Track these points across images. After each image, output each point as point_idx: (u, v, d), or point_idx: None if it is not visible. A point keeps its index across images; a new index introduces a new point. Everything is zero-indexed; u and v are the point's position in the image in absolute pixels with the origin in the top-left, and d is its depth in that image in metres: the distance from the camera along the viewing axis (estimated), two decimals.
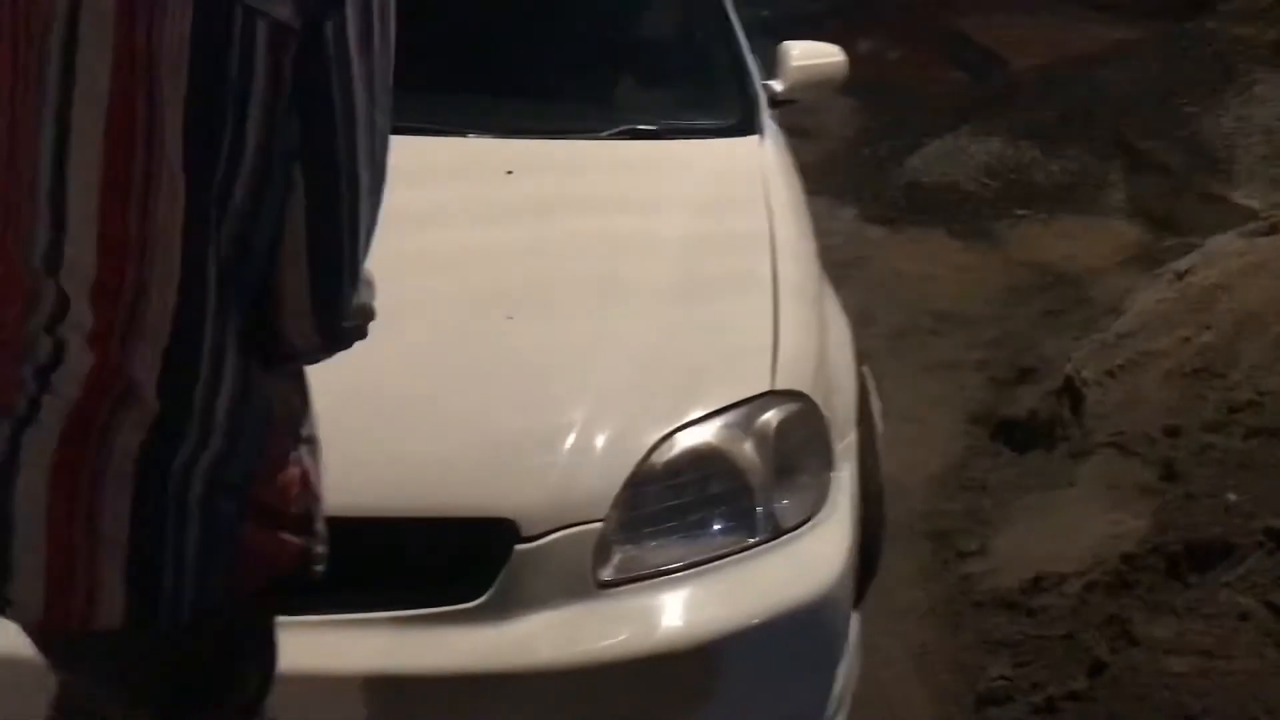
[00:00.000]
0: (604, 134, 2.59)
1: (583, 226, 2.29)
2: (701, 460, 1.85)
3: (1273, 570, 2.13)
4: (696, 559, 1.80)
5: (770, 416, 1.91)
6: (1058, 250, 4.83)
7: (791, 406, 1.94)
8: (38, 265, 1.07)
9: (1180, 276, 3.06)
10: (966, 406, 3.49)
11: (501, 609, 1.69)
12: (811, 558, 1.87)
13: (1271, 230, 3.08)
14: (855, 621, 2.12)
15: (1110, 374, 2.83)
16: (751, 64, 2.97)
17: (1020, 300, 4.32)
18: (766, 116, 2.84)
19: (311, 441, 1.28)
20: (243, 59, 1.01)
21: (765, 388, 1.93)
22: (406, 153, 2.43)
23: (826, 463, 1.99)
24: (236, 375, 1.12)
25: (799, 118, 7.03)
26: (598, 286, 2.11)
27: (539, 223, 2.29)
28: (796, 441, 1.94)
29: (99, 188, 1.03)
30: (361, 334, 1.26)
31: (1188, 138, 4.93)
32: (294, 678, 1.63)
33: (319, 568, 1.28)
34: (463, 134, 2.53)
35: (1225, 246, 3.11)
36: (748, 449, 1.88)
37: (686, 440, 1.85)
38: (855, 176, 5.74)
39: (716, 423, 1.88)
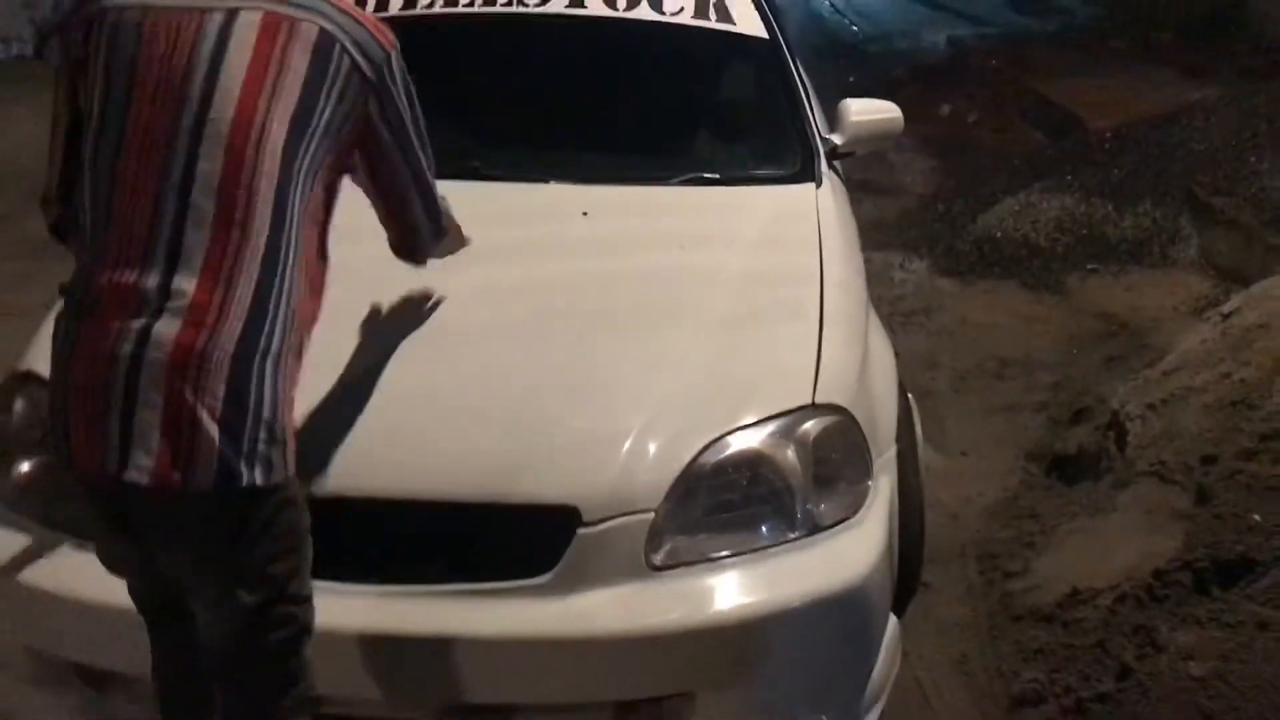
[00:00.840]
0: (673, 181, 2.87)
1: (649, 260, 2.56)
2: (747, 462, 2.08)
3: None
4: (740, 549, 2.03)
5: (810, 427, 2.14)
6: (1125, 302, 4.94)
7: (830, 419, 2.17)
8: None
9: (1225, 318, 3.20)
10: (1024, 444, 3.64)
11: (565, 585, 1.93)
12: (846, 553, 2.08)
13: None
14: (894, 624, 2.31)
15: (1152, 408, 2.98)
16: (814, 119, 3.23)
17: (1084, 347, 4.45)
18: (824, 166, 3.08)
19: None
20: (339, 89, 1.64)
21: (806, 401, 2.16)
22: (498, 198, 2.77)
23: (864, 472, 2.21)
24: (290, 302, 1.58)
25: (880, 176, 7.33)
26: (661, 312, 2.37)
27: (610, 257, 2.57)
28: (834, 450, 2.16)
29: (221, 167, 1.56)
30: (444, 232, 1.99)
31: (1256, 193, 5.02)
32: (386, 638, 1.91)
33: None
34: (545, 181, 2.83)
35: (1270, 290, 3.24)
36: (789, 454, 2.11)
37: (734, 444, 2.08)
38: (930, 231, 5.92)
39: (762, 430, 2.11)
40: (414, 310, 2.27)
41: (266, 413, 1.57)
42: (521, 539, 1.96)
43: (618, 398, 2.13)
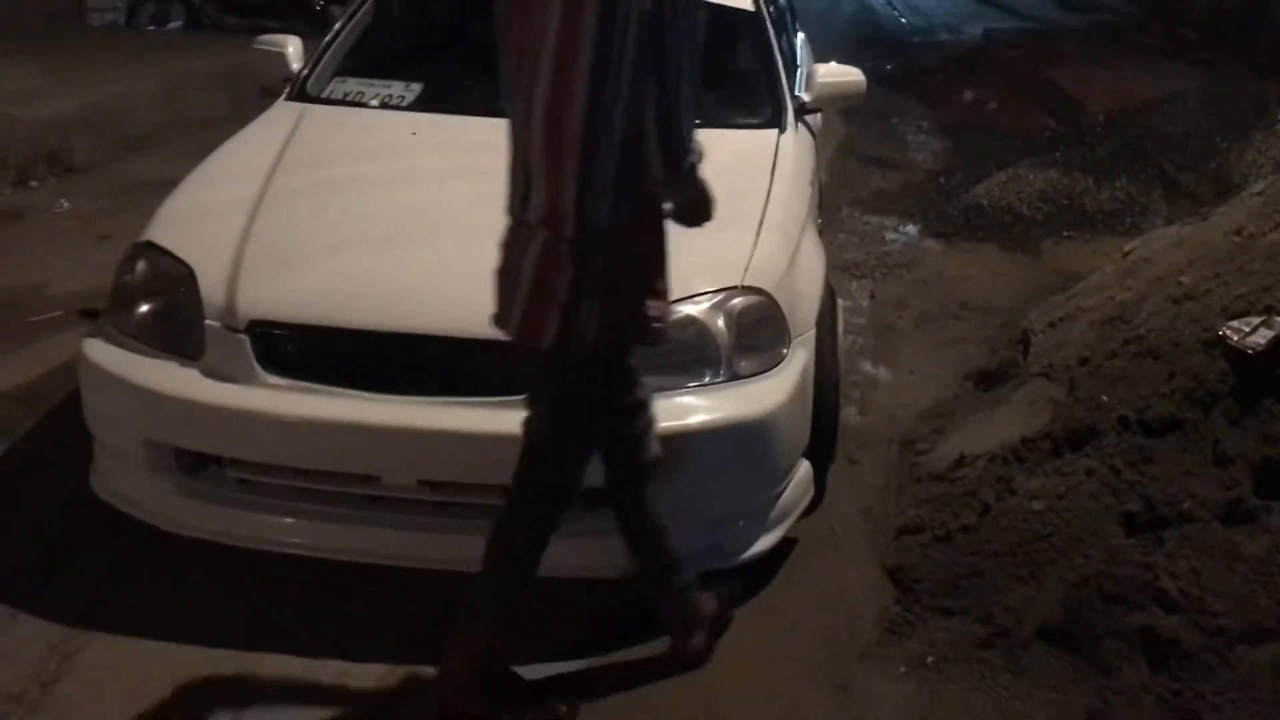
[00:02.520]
0: None
1: None
2: (687, 323, 2.73)
3: (1118, 444, 2.86)
4: (676, 386, 2.69)
5: (737, 302, 2.79)
6: (1089, 263, 5.47)
7: (754, 298, 2.82)
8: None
9: (1126, 254, 3.77)
10: (963, 368, 4.24)
11: None
12: (757, 395, 2.74)
13: (1201, 220, 3.76)
14: (806, 467, 2.96)
15: (1052, 324, 3.57)
16: (784, 79, 3.86)
17: (1039, 297, 5.00)
18: (790, 118, 3.71)
19: None
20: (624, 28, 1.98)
21: (737, 283, 2.81)
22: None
23: (781, 341, 2.86)
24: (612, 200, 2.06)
25: (893, 153, 7.88)
26: None
27: None
28: (756, 321, 2.81)
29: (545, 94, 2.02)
30: (695, 178, 2.27)
31: (1215, 169, 5.55)
32: (409, 430, 2.58)
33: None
34: None
35: (1165, 232, 3.81)
36: (719, 321, 2.77)
37: (679, 310, 2.72)
38: (925, 200, 6.52)
39: (700, 302, 2.77)
40: (454, 201, 2.97)
41: None
42: (516, 366, 2.63)
43: None
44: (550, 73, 2.03)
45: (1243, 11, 10.66)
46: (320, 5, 10.65)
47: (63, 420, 3.52)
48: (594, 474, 2.43)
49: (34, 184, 6.26)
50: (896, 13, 15.75)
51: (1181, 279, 3.27)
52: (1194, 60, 9.01)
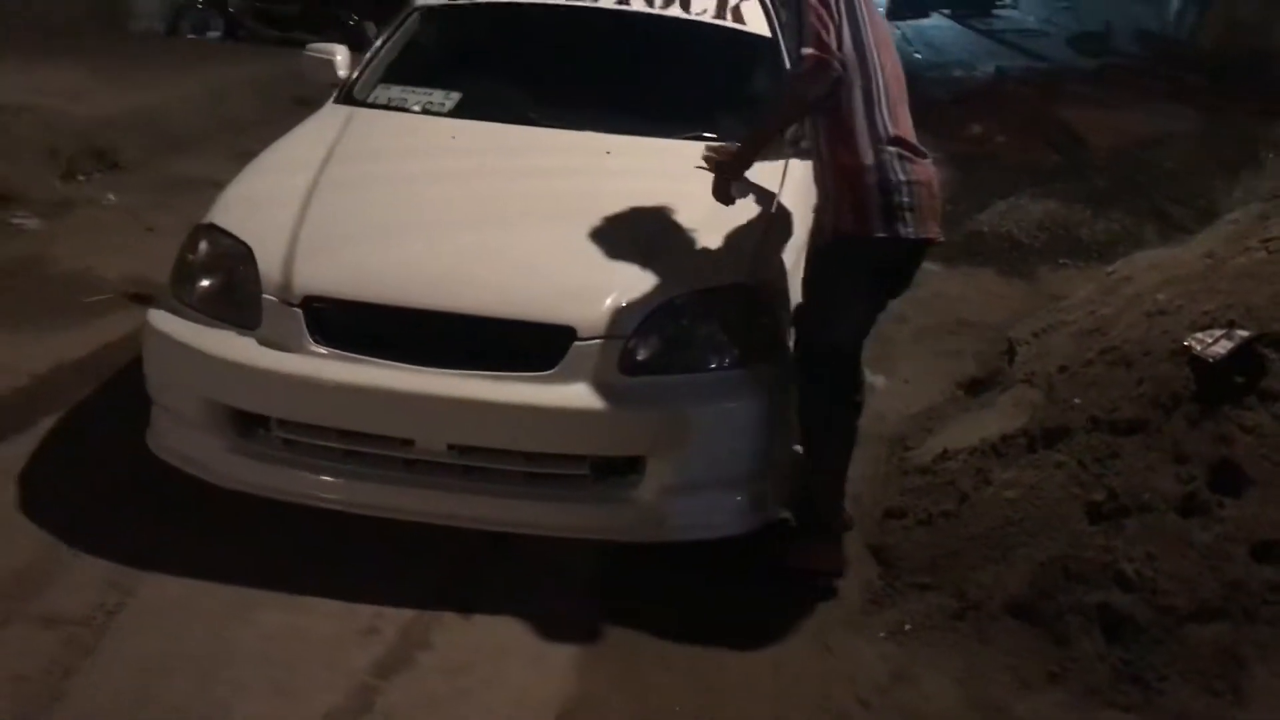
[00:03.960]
0: (680, 136, 3.82)
1: (651, 184, 3.51)
2: (694, 314, 3.03)
3: (1088, 441, 3.13)
4: (683, 369, 2.97)
5: (743, 296, 3.07)
6: (1082, 288, 5.77)
7: (759, 293, 3.10)
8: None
9: (1109, 275, 4.05)
10: (955, 377, 4.51)
11: (563, 378, 2.89)
12: (755, 381, 3.01)
13: (1179, 245, 4.04)
14: (800, 450, 3.23)
15: (1036, 335, 3.85)
16: None
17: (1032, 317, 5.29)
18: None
19: None
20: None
21: (742, 280, 3.10)
22: (548, 137, 3.75)
23: (780, 332, 3.13)
24: None
25: None
26: (651, 215, 3.32)
27: (623, 179, 3.53)
28: (758, 314, 3.09)
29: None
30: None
31: (1205, 204, 5.82)
32: (441, 399, 2.86)
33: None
34: (582, 129, 3.80)
35: (1147, 255, 4.10)
36: (727, 313, 3.04)
37: (688, 301, 3.02)
38: None
39: (710, 296, 3.05)
40: (488, 197, 3.30)
41: None
42: (538, 345, 2.91)
43: (615, 260, 3.08)
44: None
45: (1248, 62, 10.96)
46: (353, 20, 11.02)
47: (118, 388, 3.82)
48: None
49: (81, 178, 6.58)
50: (912, 48, 16.11)
51: (1157, 296, 3.55)
52: (1197, 105, 9.31)
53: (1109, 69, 12.35)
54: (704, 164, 3.34)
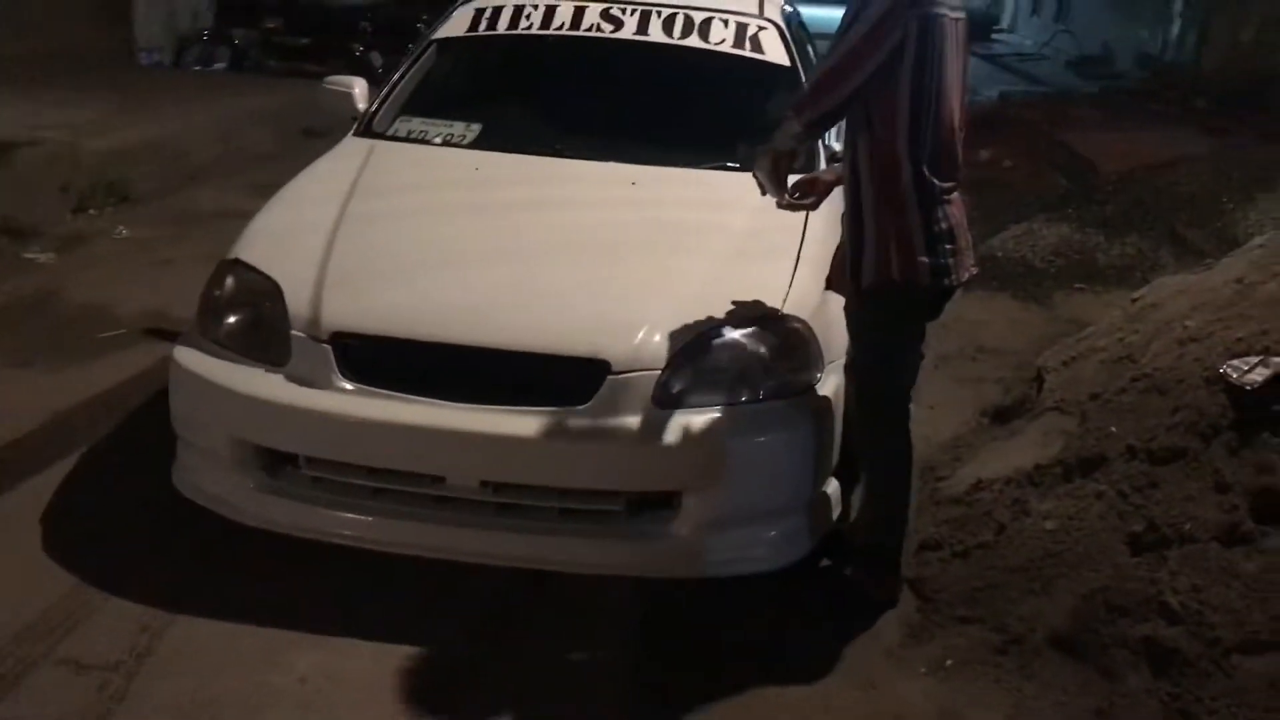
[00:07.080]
0: (703, 166, 3.80)
1: (678, 214, 3.50)
2: (729, 347, 2.99)
3: (1126, 471, 3.09)
4: (718, 402, 2.93)
5: (777, 329, 3.04)
6: (1101, 314, 5.73)
7: (792, 326, 3.07)
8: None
9: (1134, 301, 4.03)
10: (980, 404, 4.47)
11: (597, 411, 2.85)
12: (789, 416, 2.98)
13: (1206, 269, 4.02)
14: (835, 484, 3.19)
15: (1065, 363, 3.82)
16: None
17: (1052, 342, 5.25)
18: (823, 164, 3.98)
19: None
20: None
21: (776, 312, 3.07)
22: (574, 169, 3.74)
23: (814, 367, 3.10)
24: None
25: None
26: (683, 246, 3.30)
27: (650, 210, 3.51)
28: (793, 347, 3.06)
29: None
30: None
31: (1220, 228, 5.81)
32: (477, 435, 2.82)
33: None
34: (606, 160, 3.78)
35: (1171, 280, 4.07)
36: (760, 346, 3.02)
37: (723, 334, 3.00)
38: None
39: (743, 327, 3.02)
40: (515, 229, 3.28)
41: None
42: (571, 379, 2.88)
43: (648, 295, 3.06)
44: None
45: (1253, 85, 10.98)
46: (359, 51, 11.06)
47: (139, 425, 3.78)
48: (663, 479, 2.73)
49: (92, 212, 6.57)
50: None
51: (1186, 322, 3.51)
52: (1204, 128, 9.32)
53: (1113, 93, 12.39)
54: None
